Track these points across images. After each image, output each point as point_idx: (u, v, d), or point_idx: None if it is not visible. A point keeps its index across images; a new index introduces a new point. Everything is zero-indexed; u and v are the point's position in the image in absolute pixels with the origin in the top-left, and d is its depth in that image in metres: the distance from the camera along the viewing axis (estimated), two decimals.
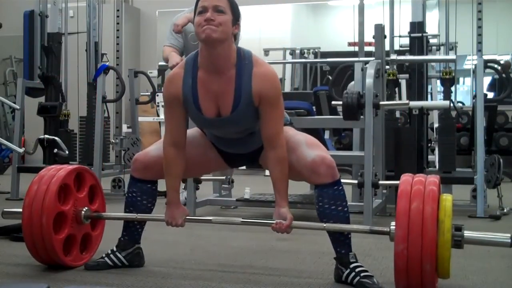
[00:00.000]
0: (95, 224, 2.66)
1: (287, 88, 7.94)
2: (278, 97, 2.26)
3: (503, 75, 4.65)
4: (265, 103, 2.23)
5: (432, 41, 5.71)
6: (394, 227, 2.03)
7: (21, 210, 2.42)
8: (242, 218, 2.49)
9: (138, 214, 2.49)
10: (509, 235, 2.11)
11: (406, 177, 2.12)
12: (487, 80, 6.76)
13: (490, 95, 6.23)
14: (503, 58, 8.08)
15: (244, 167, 7.53)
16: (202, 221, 2.72)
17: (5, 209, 2.65)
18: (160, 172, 2.42)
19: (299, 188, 4.30)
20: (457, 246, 2.08)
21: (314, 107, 6.21)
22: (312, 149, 2.28)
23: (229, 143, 2.44)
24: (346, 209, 2.31)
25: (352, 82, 4.95)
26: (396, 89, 4.83)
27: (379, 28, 4.01)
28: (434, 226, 1.97)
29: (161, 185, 2.50)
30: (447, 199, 2.06)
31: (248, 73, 2.23)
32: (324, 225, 2.27)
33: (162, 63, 4.74)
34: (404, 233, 1.96)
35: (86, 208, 2.53)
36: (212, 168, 2.68)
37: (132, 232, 2.55)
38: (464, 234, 2.09)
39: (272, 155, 2.26)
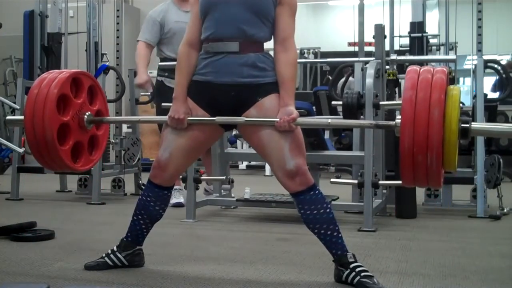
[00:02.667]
0: (99, 124, 2.63)
1: None
2: (296, 9, 2.36)
3: (503, 75, 4.65)
4: (285, 7, 2.32)
5: (432, 41, 5.71)
6: (399, 120, 2.00)
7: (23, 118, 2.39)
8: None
9: (141, 117, 2.47)
10: None
11: (413, 67, 2.09)
12: (489, 80, 6.75)
13: (496, 95, 6.21)
14: (503, 58, 8.09)
15: (244, 167, 7.48)
16: (204, 121, 2.41)
17: (8, 117, 2.65)
18: (177, 169, 2.46)
19: None
20: (464, 132, 2.02)
21: (314, 107, 6.22)
22: (292, 156, 2.28)
23: (220, 63, 2.35)
24: (328, 210, 2.33)
25: (342, 79, 4.95)
26: (396, 89, 4.82)
27: (379, 28, 4.01)
28: (442, 101, 1.94)
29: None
30: (455, 88, 2.03)
31: None
32: (329, 121, 2.32)
33: (162, 63, 4.75)
34: (410, 110, 1.93)
35: (88, 113, 2.49)
36: (206, 133, 2.47)
37: (136, 233, 2.54)
38: (472, 124, 2.04)
39: (285, 57, 2.31)
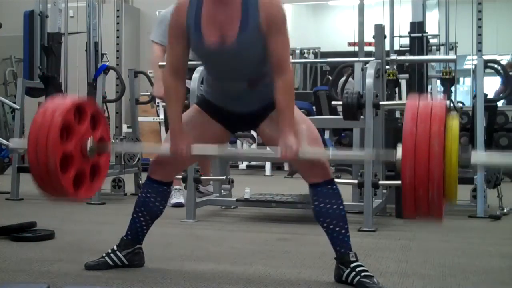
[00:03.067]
0: (94, 175, 2.58)
1: None
2: (285, 23, 2.26)
3: (503, 75, 4.65)
4: (272, 28, 2.22)
5: (432, 41, 5.71)
6: (400, 151, 2.00)
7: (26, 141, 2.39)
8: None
9: (144, 146, 2.47)
10: None
11: (412, 101, 2.09)
12: (488, 80, 6.75)
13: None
14: (503, 58, 8.09)
15: (244, 167, 7.48)
16: (208, 152, 2.45)
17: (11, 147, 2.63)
18: (178, 167, 2.48)
19: (299, 188, 4.30)
20: (464, 163, 2.02)
21: (314, 107, 6.23)
22: (311, 147, 2.29)
23: (230, 98, 2.39)
24: (342, 207, 2.33)
25: (343, 79, 4.95)
26: (396, 89, 4.82)
27: (379, 28, 4.00)
28: (442, 134, 1.93)
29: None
30: (454, 117, 2.02)
31: (254, 3, 2.23)
32: (330, 153, 2.28)
33: (162, 63, 4.74)
34: (411, 143, 1.94)
35: (91, 141, 2.48)
36: (216, 140, 2.53)
37: (136, 231, 2.54)
38: (472, 152, 2.04)
39: (280, 83, 2.24)
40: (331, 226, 2.33)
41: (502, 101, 6.80)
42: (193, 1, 2.28)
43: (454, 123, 2.00)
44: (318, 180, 2.31)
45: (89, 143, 2.46)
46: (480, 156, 2.10)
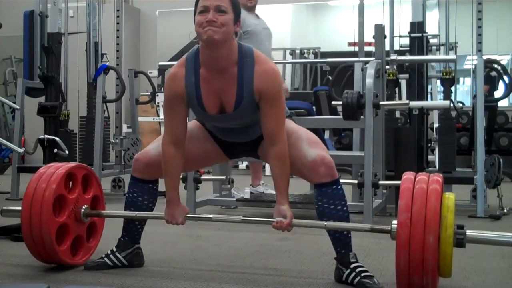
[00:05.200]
0: (91, 234, 2.65)
1: None
2: (279, 94, 2.26)
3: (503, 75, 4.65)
4: (266, 100, 2.23)
5: (432, 41, 5.71)
6: (395, 225, 2.02)
7: (20, 208, 2.41)
8: (243, 217, 2.47)
9: (138, 212, 2.48)
10: (511, 234, 2.11)
11: (408, 175, 2.11)
12: None
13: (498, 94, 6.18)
14: (503, 58, 8.09)
15: (244, 167, 7.48)
16: (202, 219, 2.71)
17: (4, 208, 2.65)
18: (161, 170, 2.41)
19: (299, 188, 4.30)
20: (459, 244, 2.07)
21: (314, 107, 6.22)
22: (312, 148, 2.29)
23: (230, 132, 2.43)
24: (345, 208, 2.32)
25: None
26: (396, 89, 4.82)
27: (379, 28, 4.00)
28: (437, 222, 1.95)
29: (161, 185, 2.50)
30: (449, 197, 2.06)
31: (249, 71, 2.23)
32: (325, 223, 2.26)
33: (162, 63, 4.74)
34: (406, 233, 1.95)
35: (84, 206, 2.51)
36: (211, 160, 2.65)
37: (132, 232, 2.55)
38: (467, 232, 2.08)
39: (273, 152, 2.25)
40: None
41: (505, 100, 6.79)
42: (189, 67, 2.28)
43: (450, 202, 2.03)
44: (323, 180, 2.29)
45: (83, 208, 2.49)
46: (473, 234, 2.13)
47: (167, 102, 2.32)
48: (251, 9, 4.61)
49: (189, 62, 2.30)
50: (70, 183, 2.51)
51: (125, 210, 2.53)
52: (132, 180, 2.52)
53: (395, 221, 2.05)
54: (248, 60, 2.25)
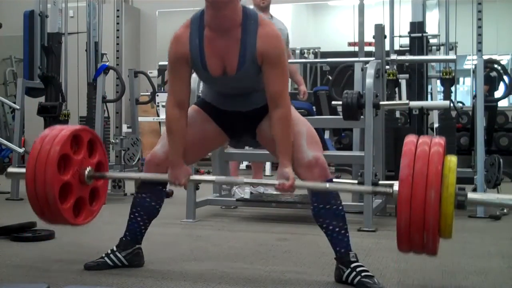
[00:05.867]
0: (94, 198, 2.62)
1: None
2: (281, 57, 2.27)
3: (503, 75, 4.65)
4: (268, 63, 2.25)
5: (432, 41, 5.71)
6: (396, 186, 2.01)
7: (24, 170, 2.40)
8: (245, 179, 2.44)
9: (141, 174, 2.48)
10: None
11: (410, 138, 2.09)
12: None
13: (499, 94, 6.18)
14: (503, 58, 8.09)
15: (244, 167, 7.47)
16: (205, 181, 2.62)
17: (8, 170, 2.66)
18: None
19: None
20: (460, 205, 2.04)
21: (314, 107, 6.23)
22: (310, 148, 2.31)
23: (230, 100, 2.42)
24: (341, 207, 2.33)
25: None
26: (396, 89, 4.82)
27: (379, 28, 4.00)
28: (439, 180, 1.94)
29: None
30: (451, 159, 2.03)
31: (253, 33, 2.25)
32: (327, 185, 2.26)
33: (162, 63, 4.74)
34: (407, 189, 1.93)
35: (88, 168, 2.50)
36: (212, 143, 2.60)
37: (135, 231, 2.54)
38: (468, 194, 2.06)
39: (276, 115, 2.27)
40: (331, 227, 2.33)
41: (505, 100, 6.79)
42: (194, 29, 2.29)
43: (452, 164, 2.01)
44: (318, 180, 2.30)
45: (87, 170, 2.48)
46: (475, 196, 2.11)
47: (171, 64, 2.34)
48: (264, 9, 4.63)
49: (194, 23, 2.31)
50: (76, 146, 2.49)
51: (131, 209, 2.53)
52: (142, 182, 2.51)
53: (396, 182, 2.03)
54: (252, 22, 2.26)
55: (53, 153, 2.34)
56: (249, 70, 2.27)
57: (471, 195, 2.07)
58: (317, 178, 2.30)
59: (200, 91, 3.06)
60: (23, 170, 2.43)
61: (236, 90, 2.39)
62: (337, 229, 2.32)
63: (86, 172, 2.48)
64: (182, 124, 2.36)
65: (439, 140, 2.06)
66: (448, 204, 1.96)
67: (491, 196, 2.20)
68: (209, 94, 2.49)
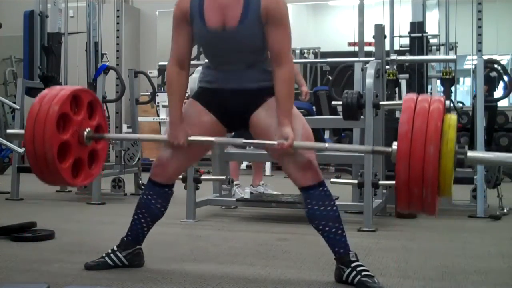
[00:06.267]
0: (93, 160, 2.62)
1: None
2: (285, 16, 2.29)
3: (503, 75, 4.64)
4: (272, 22, 2.26)
5: (432, 41, 5.71)
6: (395, 146, 1.99)
7: (23, 132, 2.39)
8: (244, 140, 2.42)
9: (140, 135, 2.47)
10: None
11: (410, 96, 2.08)
12: None
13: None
14: (503, 58, 8.09)
15: (244, 167, 7.47)
16: (204, 142, 2.47)
17: (8, 131, 2.70)
18: (178, 169, 2.46)
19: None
20: (460, 163, 2.01)
21: (314, 107, 6.23)
22: (303, 150, 2.29)
23: (224, 73, 2.39)
24: (335, 208, 2.33)
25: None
26: (396, 89, 4.82)
27: (379, 28, 4.01)
28: (438, 136, 1.92)
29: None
30: (451, 117, 2.01)
31: None
32: (326, 145, 2.27)
33: (162, 63, 4.74)
34: (406, 144, 1.92)
35: (88, 129, 2.49)
36: (211, 135, 2.52)
37: (137, 232, 2.54)
38: (468, 153, 2.03)
39: (280, 74, 2.28)
40: (327, 228, 2.33)
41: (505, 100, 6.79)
42: None
43: (452, 121, 1.99)
44: (309, 183, 2.31)
45: (87, 131, 2.48)
46: (475, 154, 2.09)
47: (173, 24, 2.38)
48: None
49: None
50: (76, 106, 2.49)
51: (136, 210, 2.53)
52: (149, 183, 2.51)
53: (395, 143, 2.01)
54: None
55: (52, 112, 2.33)
56: (251, 26, 2.26)
57: (470, 153, 2.04)
58: (309, 181, 2.30)
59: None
60: (22, 131, 2.42)
61: (233, 56, 2.35)
62: (333, 230, 2.32)
63: (85, 133, 2.48)
64: (181, 82, 2.39)
65: (439, 98, 2.05)
66: (447, 160, 1.93)
67: (490, 154, 2.17)
68: (206, 73, 2.46)
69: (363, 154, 3.68)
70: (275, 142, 2.26)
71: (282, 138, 2.24)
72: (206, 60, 2.53)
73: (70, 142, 2.42)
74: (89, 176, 2.55)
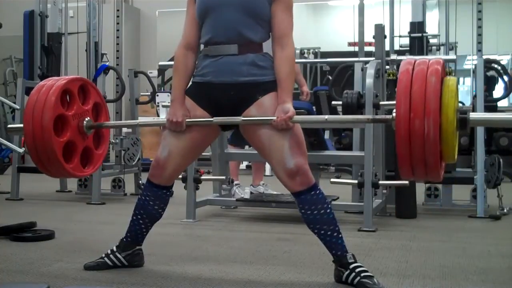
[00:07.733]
0: (99, 142, 2.66)
1: None
2: (292, 3, 2.38)
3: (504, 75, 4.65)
4: (278, 3, 2.32)
5: (432, 41, 5.71)
6: (395, 113, 1.97)
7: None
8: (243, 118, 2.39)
9: (139, 121, 2.49)
10: None
11: (408, 60, 2.08)
12: None
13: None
14: (503, 58, 8.09)
15: (244, 167, 7.47)
16: (202, 123, 2.42)
17: (10, 126, 2.79)
18: (175, 169, 2.45)
19: None
20: (462, 124, 1.98)
21: (314, 107, 6.21)
22: (293, 154, 2.28)
23: (218, 64, 2.36)
24: (329, 210, 2.33)
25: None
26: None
27: (379, 28, 4.01)
28: (437, 102, 1.89)
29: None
30: (451, 78, 1.99)
31: None
32: (326, 117, 2.30)
33: (162, 63, 4.74)
34: (405, 111, 1.89)
35: (87, 119, 2.53)
36: (204, 134, 2.48)
37: (136, 233, 2.54)
38: (470, 114, 2.00)
39: (281, 55, 2.32)
40: (322, 231, 2.33)
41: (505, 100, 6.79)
42: None
43: (452, 81, 1.96)
44: (300, 188, 2.30)
45: (85, 121, 2.53)
46: (478, 115, 2.07)
47: (187, 7, 2.45)
48: None
49: None
50: (67, 101, 2.51)
51: (134, 211, 2.53)
52: (147, 184, 2.50)
53: (395, 110, 1.99)
54: None
55: (48, 119, 2.36)
56: None
57: (473, 115, 2.01)
58: (298, 186, 2.30)
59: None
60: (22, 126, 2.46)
61: (232, 31, 2.33)
62: (329, 233, 2.32)
63: (85, 124, 2.51)
64: (187, 63, 2.42)
65: (437, 60, 2.03)
66: (448, 116, 1.88)
67: (493, 115, 2.16)
68: (200, 65, 2.43)
69: (363, 154, 3.68)
70: (274, 118, 2.27)
71: (282, 113, 2.26)
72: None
73: (73, 140, 2.46)
74: (79, 170, 2.57)
